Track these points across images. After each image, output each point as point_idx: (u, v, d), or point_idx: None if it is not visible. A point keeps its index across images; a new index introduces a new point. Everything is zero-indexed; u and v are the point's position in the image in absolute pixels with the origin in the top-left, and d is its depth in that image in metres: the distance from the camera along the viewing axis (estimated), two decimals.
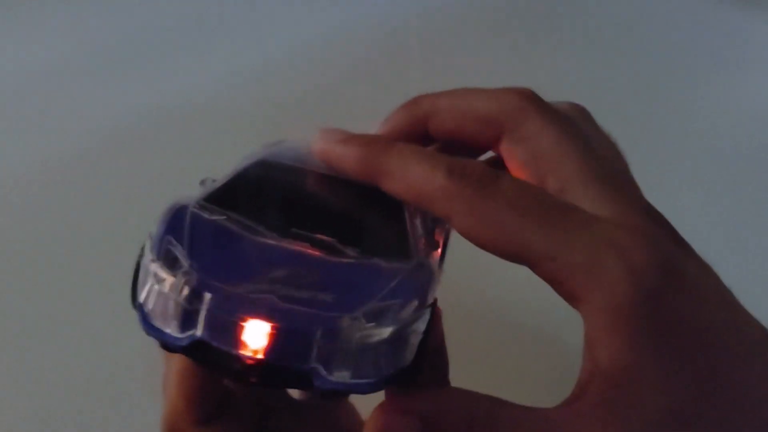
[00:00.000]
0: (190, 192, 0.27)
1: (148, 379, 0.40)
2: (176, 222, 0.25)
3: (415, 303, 0.24)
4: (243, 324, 0.22)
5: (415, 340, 0.24)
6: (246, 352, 0.22)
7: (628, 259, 0.23)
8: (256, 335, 0.22)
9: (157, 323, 0.23)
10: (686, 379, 0.23)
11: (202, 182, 0.30)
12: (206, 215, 0.25)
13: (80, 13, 0.76)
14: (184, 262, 0.23)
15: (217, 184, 0.28)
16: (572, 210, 0.25)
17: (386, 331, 0.23)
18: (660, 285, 0.23)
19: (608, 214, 0.25)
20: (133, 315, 0.24)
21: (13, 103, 0.66)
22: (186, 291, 0.22)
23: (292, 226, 0.26)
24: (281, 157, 0.29)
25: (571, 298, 0.25)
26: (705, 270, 0.26)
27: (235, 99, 0.67)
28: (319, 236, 0.25)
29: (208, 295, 0.22)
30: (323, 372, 0.22)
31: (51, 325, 0.47)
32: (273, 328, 0.22)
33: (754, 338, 0.25)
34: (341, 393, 0.23)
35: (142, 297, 0.24)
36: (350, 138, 0.28)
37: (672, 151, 0.61)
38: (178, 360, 0.29)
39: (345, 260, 0.25)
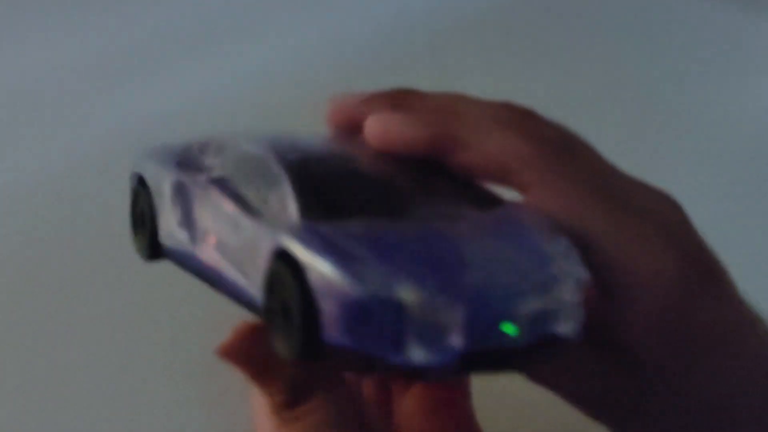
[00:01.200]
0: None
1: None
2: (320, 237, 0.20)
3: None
4: (505, 317, 0.20)
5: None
6: (508, 342, 0.20)
7: (677, 260, 0.24)
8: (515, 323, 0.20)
9: (391, 351, 0.19)
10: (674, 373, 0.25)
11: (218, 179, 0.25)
12: (337, 231, 0.21)
13: (91, 17, 0.76)
14: (402, 283, 0.19)
15: (286, 190, 0.23)
16: (633, 199, 0.25)
17: (576, 293, 0.22)
18: (693, 290, 0.24)
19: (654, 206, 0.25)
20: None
21: (14, 108, 0.66)
22: (437, 306, 0.19)
23: (407, 209, 0.23)
24: (299, 148, 0.25)
25: (606, 283, 0.24)
26: (730, 283, 0.26)
27: (241, 105, 0.67)
28: (439, 207, 0.23)
29: (458, 305, 0.19)
30: (562, 331, 0.21)
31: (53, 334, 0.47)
32: (535, 307, 0.20)
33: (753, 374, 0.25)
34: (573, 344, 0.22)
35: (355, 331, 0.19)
36: (406, 108, 0.26)
37: (672, 152, 0.61)
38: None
39: (493, 217, 0.23)
